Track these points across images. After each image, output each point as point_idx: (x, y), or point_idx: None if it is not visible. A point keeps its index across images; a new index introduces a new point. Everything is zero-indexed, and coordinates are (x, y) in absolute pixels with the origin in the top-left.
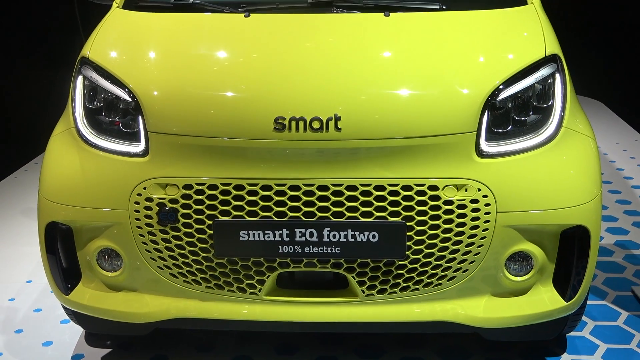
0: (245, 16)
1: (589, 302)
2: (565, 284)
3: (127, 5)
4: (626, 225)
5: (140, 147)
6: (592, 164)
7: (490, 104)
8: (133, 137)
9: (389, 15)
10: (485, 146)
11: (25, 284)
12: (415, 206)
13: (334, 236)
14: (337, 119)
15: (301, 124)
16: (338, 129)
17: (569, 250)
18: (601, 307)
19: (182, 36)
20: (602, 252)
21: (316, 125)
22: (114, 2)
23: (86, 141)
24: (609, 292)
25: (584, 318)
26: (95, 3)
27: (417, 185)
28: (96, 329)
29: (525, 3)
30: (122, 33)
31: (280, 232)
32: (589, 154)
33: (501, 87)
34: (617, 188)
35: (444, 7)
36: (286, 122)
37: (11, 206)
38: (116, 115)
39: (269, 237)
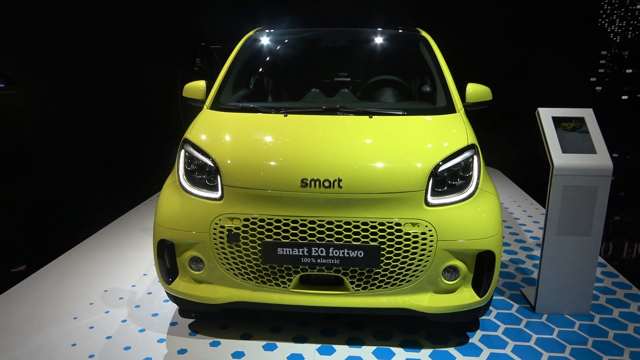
0: (284, 116)
1: (493, 297)
2: (479, 286)
3: (212, 107)
4: (516, 248)
5: (218, 194)
6: (497, 211)
7: (433, 174)
8: (214, 188)
9: (372, 117)
10: (430, 199)
11: (142, 276)
12: (387, 235)
13: (336, 253)
14: (340, 180)
15: (317, 182)
16: (340, 187)
17: (482, 265)
18: (501, 301)
19: (245, 127)
20: (502, 266)
21: (327, 184)
22: (205, 105)
23: (185, 190)
24: (506, 291)
25: (490, 307)
26: (193, 105)
27: (388, 222)
28: (186, 307)
29: (455, 111)
30: (209, 124)
31: (302, 249)
32: (495, 206)
33: (440, 163)
34: (510, 224)
35: (406, 114)
36: (308, 181)
37: (135, 225)
38: (204, 174)
39: (295, 252)
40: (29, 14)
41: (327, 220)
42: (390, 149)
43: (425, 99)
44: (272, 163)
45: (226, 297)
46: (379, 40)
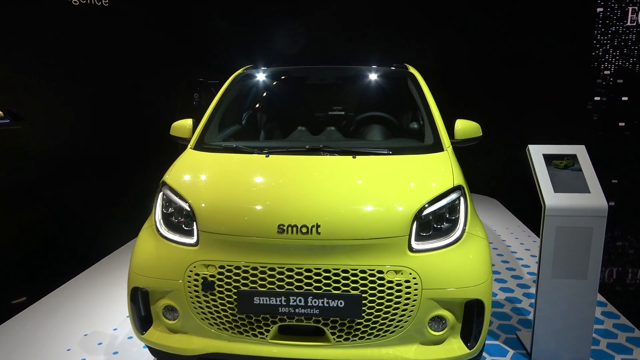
0: (266, 156)
1: (487, 342)
2: (469, 337)
3: (196, 147)
4: (512, 285)
5: (193, 240)
6: (485, 257)
7: (417, 217)
8: (190, 233)
9: (356, 157)
10: (414, 244)
11: (125, 317)
12: (368, 284)
13: (315, 302)
14: (318, 226)
15: (295, 229)
16: (318, 233)
17: (471, 314)
18: (495, 346)
19: (225, 169)
20: (496, 305)
21: (304, 230)
22: (189, 145)
23: (161, 234)
24: (501, 335)
25: (483, 355)
26: (181, 144)
27: (369, 269)
28: (163, 356)
29: (442, 150)
30: (189, 165)
31: (280, 298)
32: (483, 251)
33: (424, 207)
34: (506, 259)
35: (391, 153)
36: (285, 227)
37: (120, 268)
38: (181, 218)
39: (272, 302)
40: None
41: (306, 268)
42: (372, 191)
43: (413, 136)
44: (249, 208)
45: (201, 347)
46: (366, 76)
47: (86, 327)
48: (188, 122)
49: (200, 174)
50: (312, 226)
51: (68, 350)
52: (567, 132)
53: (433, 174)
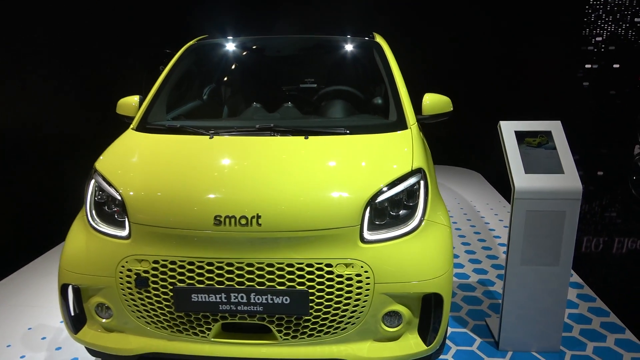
0: (209, 138)
1: (454, 329)
2: (426, 333)
3: (138, 128)
4: (487, 266)
5: (125, 232)
6: (446, 247)
7: (370, 205)
8: (121, 225)
9: (308, 138)
10: (367, 235)
11: None
12: (316, 278)
13: (258, 299)
14: (258, 217)
15: (233, 220)
16: (259, 224)
17: (429, 309)
18: (462, 334)
19: (163, 153)
20: (467, 288)
21: (243, 221)
22: (131, 125)
23: (91, 226)
24: (469, 322)
25: (449, 343)
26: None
27: (317, 263)
28: (99, 356)
29: (406, 128)
30: (125, 149)
31: (220, 295)
32: (444, 239)
33: (379, 193)
34: (483, 237)
35: (348, 132)
36: (222, 219)
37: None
38: (113, 208)
39: (212, 299)
40: None
41: (247, 262)
42: (320, 176)
43: (378, 112)
44: (183, 197)
45: (139, 347)
46: (330, 47)
47: (32, 320)
48: (134, 99)
49: (135, 159)
50: (252, 217)
51: (8, 346)
52: (557, 101)
53: (391, 155)
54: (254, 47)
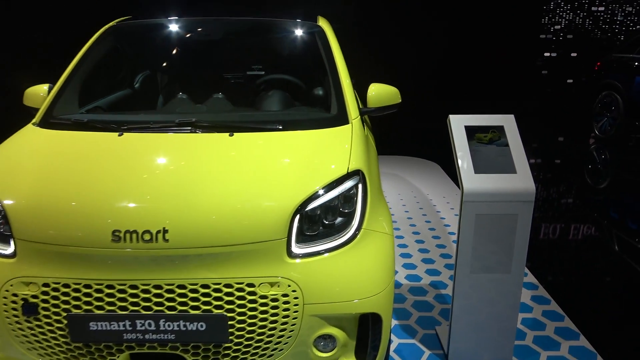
0: (118, 135)
1: (401, 340)
2: (364, 355)
3: (41, 123)
4: (440, 267)
5: (9, 250)
6: (386, 259)
7: (300, 213)
8: (6, 241)
9: (233, 135)
10: (295, 248)
11: None
12: (236, 300)
13: (169, 325)
14: (165, 231)
15: (134, 236)
16: (166, 240)
17: (367, 328)
18: (410, 346)
19: (61, 154)
20: (418, 292)
21: (147, 237)
22: (33, 120)
23: None
24: (419, 331)
25: (395, 357)
26: None
27: (237, 283)
28: None
29: (347, 122)
30: (18, 150)
31: (124, 322)
32: (384, 250)
33: (309, 199)
34: (438, 234)
35: (281, 128)
36: (121, 235)
37: None
38: None
39: (114, 327)
40: None
41: (154, 284)
42: (241, 181)
43: (319, 104)
44: (77, 209)
45: None
46: (267, 30)
47: None
48: (43, 88)
49: (27, 162)
50: (157, 232)
51: None
52: (516, 89)
53: (326, 155)
54: (181, 29)
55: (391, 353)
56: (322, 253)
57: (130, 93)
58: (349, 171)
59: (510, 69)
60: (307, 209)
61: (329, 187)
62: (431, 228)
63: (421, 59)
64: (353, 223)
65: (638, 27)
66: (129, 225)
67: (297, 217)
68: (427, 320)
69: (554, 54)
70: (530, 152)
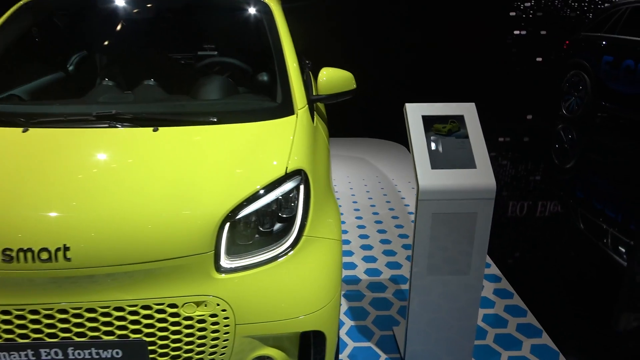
0: (23, 131)
1: (356, 344)
2: None
3: None
4: (401, 259)
5: None
6: (331, 268)
7: (231, 221)
8: None
9: (158, 130)
10: (225, 262)
11: None
12: (156, 324)
13: (79, 354)
14: (66, 249)
15: (29, 255)
16: (67, 259)
17: (309, 349)
18: (365, 350)
19: None
20: (377, 288)
21: (44, 256)
22: None
23: None
24: (375, 332)
25: None
26: None
27: (156, 304)
28: None
29: (292, 113)
30: None
31: (26, 352)
32: (329, 259)
33: (240, 205)
34: (401, 223)
35: (215, 120)
36: (14, 254)
37: None
38: None
39: (15, 358)
40: None
41: (59, 308)
42: (160, 186)
43: (264, 92)
44: None
45: None
46: (208, 7)
47: None
48: None
49: None
50: (57, 249)
51: None
52: (486, 68)
53: (263, 154)
54: (110, 4)
55: (345, 358)
56: (257, 266)
57: (62, 77)
58: (287, 171)
59: (481, 47)
60: (238, 216)
61: (265, 190)
62: (394, 216)
63: (389, 37)
64: (293, 230)
65: (607, 5)
66: (23, 242)
67: (227, 226)
68: (385, 320)
69: (523, 32)
70: (498, 132)
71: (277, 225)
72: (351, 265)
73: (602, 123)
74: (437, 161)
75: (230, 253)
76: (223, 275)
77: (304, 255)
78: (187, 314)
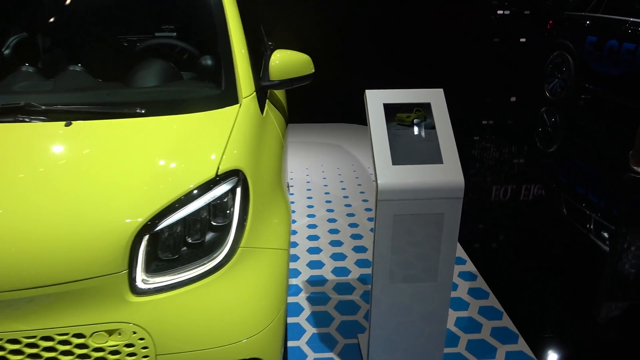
0: None
1: (317, 355)
2: None
3: None
4: (370, 255)
5: None
6: (274, 283)
7: (150, 233)
8: None
9: (71, 124)
10: (142, 282)
11: None
12: (60, 357)
13: None
14: None
15: None
16: None
17: None
18: None
19: None
20: (345, 290)
21: None
22: None
23: None
24: (339, 340)
25: None
26: None
27: (59, 334)
28: None
29: (236, 102)
30: None
31: None
32: (271, 273)
33: (161, 214)
34: (374, 215)
35: (144, 112)
36: None
37: None
38: None
39: None
40: None
41: None
42: (64, 194)
43: (206, 77)
44: None
45: None
46: None
47: None
48: None
49: None
50: None
51: None
52: (469, 47)
53: (193, 151)
54: None
55: None
56: (184, 284)
57: None
58: (219, 172)
59: (464, 26)
60: (159, 227)
61: (193, 195)
62: (367, 208)
63: (364, 15)
64: (227, 240)
65: None
66: None
67: (146, 238)
68: (351, 327)
69: (507, 12)
70: (480, 114)
71: (209, 236)
72: (318, 264)
73: (586, 106)
74: (399, 156)
75: (151, 271)
76: (140, 298)
77: (240, 270)
78: (97, 345)
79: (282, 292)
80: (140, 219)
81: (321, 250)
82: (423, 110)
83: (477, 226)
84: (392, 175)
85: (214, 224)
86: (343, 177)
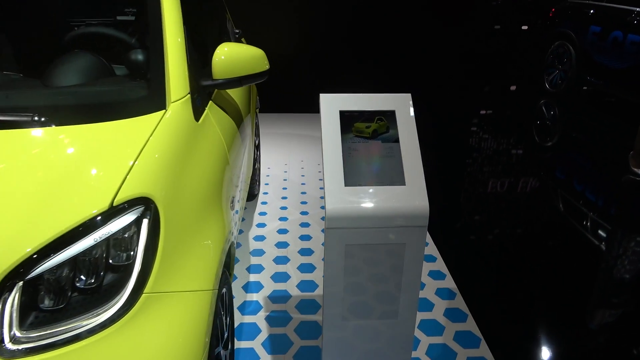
0: None
1: None
2: None
3: None
4: None
5: None
6: (187, 336)
7: (23, 280)
8: None
9: None
10: (10, 343)
11: None
12: None
13: None
14: None
15: None
16: None
17: None
18: None
19: None
20: (308, 308)
21: None
22: None
23: None
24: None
25: None
26: None
27: None
28: None
29: (163, 108)
30: None
31: None
32: (184, 323)
33: (39, 256)
34: None
35: (41, 121)
36: None
37: None
38: None
39: None
40: None
41: None
42: None
43: (138, 75)
44: None
45: None
46: None
47: None
48: None
49: None
50: None
51: None
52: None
53: (90, 175)
54: None
55: None
56: (69, 341)
57: None
58: (116, 203)
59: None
60: (35, 273)
61: (78, 233)
62: None
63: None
64: (127, 285)
65: None
66: None
67: (18, 287)
68: (310, 354)
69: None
70: (478, 104)
71: (108, 277)
72: (283, 277)
73: (587, 99)
74: (353, 175)
75: (28, 326)
76: None
77: (145, 321)
78: None
79: (200, 346)
80: (5, 265)
81: (289, 260)
82: (386, 120)
83: (462, 237)
84: (343, 199)
85: (113, 264)
86: (322, 174)
